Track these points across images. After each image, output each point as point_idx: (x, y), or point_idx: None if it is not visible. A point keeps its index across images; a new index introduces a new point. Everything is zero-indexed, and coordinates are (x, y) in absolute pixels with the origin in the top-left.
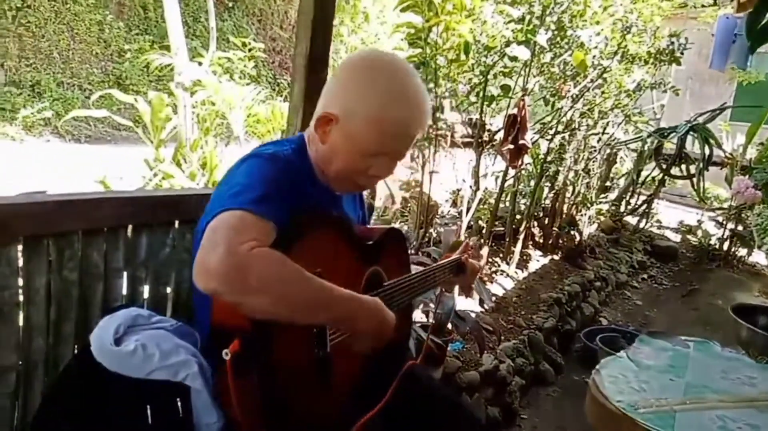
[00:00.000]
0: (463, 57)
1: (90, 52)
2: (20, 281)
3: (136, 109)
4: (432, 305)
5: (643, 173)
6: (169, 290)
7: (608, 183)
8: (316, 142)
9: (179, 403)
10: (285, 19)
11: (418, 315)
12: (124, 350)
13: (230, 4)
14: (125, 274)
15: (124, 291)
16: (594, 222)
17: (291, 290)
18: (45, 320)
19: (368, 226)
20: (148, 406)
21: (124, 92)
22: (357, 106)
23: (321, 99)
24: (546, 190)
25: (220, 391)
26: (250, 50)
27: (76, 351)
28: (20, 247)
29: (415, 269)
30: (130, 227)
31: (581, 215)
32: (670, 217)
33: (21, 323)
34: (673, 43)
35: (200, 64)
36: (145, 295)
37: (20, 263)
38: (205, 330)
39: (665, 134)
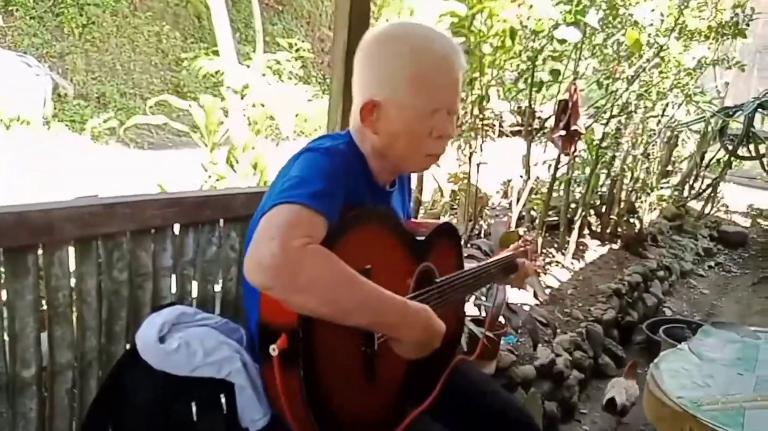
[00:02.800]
0: (509, 43)
1: (149, 62)
2: (72, 283)
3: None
4: (484, 299)
5: (708, 155)
6: (217, 288)
7: (670, 167)
8: (368, 135)
9: (223, 400)
10: (333, 20)
11: (469, 308)
12: (168, 347)
13: (280, 8)
14: (173, 273)
15: (173, 290)
16: (655, 208)
17: (340, 293)
18: (97, 319)
19: (420, 221)
20: (193, 403)
21: (182, 99)
22: (392, 77)
23: (354, 94)
24: (602, 177)
25: (268, 386)
26: (296, 51)
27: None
28: (71, 249)
29: (466, 263)
30: (177, 226)
31: (641, 202)
32: (738, 200)
33: (74, 322)
34: (737, 14)
35: (249, 67)
36: (194, 293)
37: (72, 265)
38: (254, 325)
39: (730, 112)
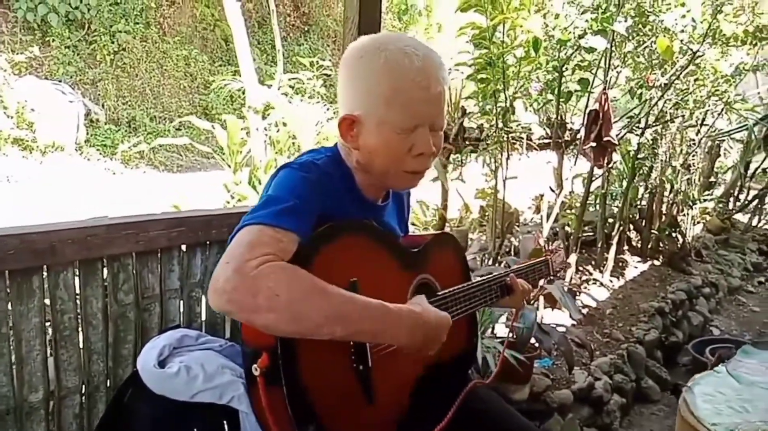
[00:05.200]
0: (533, 54)
1: (178, 86)
2: (78, 305)
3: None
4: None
5: (752, 165)
6: None
7: (712, 179)
8: (350, 150)
9: (226, 425)
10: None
11: (502, 331)
12: (167, 372)
13: (305, 29)
14: (181, 295)
15: (181, 313)
16: (699, 222)
17: (304, 307)
18: (104, 342)
19: (420, 233)
20: (195, 429)
21: (210, 122)
22: (369, 93)
23: (339, 107)
24: (641, 190)
25: (256, 408)
26: (318, 69)
27: None
28: (76, 271)
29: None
30: (183, 247)
31: (683, 215)
32: None
33: (81, 346)
34: None
35: (270, 86)
36: (203, 316)
37: (77, 287)
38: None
39: None
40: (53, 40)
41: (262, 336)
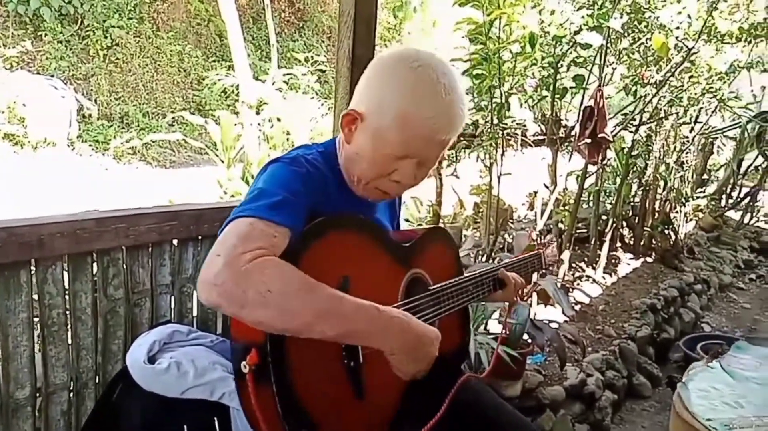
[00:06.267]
0: (528, 49)
1: (172, 81)
2: (67, 300)
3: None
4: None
5: (745, 163)
6: None
7: (705, 176)
8: (343, 142)
9: (216, 423)
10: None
11: (495, 327)
12: (157, 367)
13: (300, 24)
14: (172, 290)
15: (172, 308)
16: (691, 219)
17: (295, 304)
18: (93, 338)
19: (411, 228)
20: (185, 426)
21: (204, 118)
22: (383, 102)
23: (352, 99)
24: (634, 187)
25: (244, 405)
26: (312, 64)
27: None
28: (65, 266)
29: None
30: (175, 241)
31: (676, 212)
32: None
33: (69, 342)
34: None
35: (264, 82)
36: (194, 312)
37: (66, 282)
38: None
39: None
40: (46, 35)
41: (251, 331)
